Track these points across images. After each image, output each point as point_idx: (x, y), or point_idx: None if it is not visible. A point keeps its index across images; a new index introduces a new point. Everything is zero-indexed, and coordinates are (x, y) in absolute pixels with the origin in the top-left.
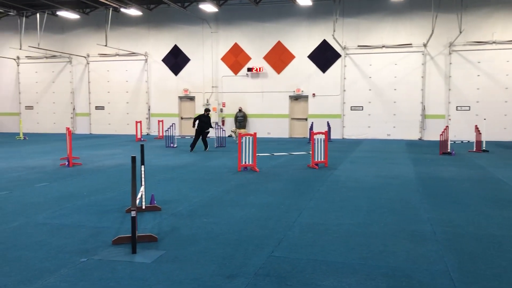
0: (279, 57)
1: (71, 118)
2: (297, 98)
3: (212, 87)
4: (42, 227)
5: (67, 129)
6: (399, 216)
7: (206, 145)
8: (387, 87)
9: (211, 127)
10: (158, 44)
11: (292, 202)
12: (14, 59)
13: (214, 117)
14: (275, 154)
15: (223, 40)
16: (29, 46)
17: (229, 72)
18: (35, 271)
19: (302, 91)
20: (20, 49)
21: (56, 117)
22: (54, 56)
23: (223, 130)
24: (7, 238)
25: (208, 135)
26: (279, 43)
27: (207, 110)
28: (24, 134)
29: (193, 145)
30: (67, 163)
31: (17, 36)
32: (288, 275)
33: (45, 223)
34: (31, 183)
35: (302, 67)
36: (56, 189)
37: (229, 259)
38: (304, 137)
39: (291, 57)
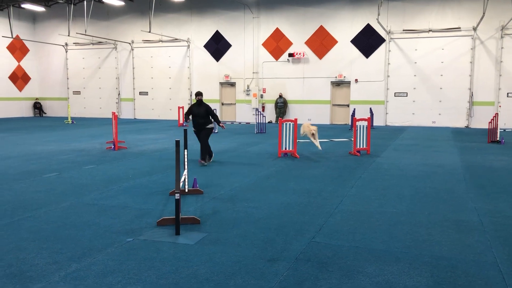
0: (321, 42)
1: (116, 103)
2: (339, 84)
3: (253, 72)
4: (90, 207)
5: (113, 113)
6: (444, 205)
7: (207, 153)
8: (433, 73)
9: (216, 121)
10: (200, 30)
11: (333, 189)
12: (63, 46)
13: (254, 103)
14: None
15: (264, 25)
16: (76, 33)
17: (270, 57)
18: (84, 249)
19: (344, 77)
20: (68, 35)
21: (102, 102)
22: (100, 43)
23: (263, 116)
24: (58, 217)
25: (215, 131)
26: (321, 27)
27: (198, 94)
28: (72, 118)
29: (203, 154)
30: (113, 146)
31: (66, 23)
32: (329, 261)
33: (93, 204)
34: (79, 165)
35: (344, 52)
36: (103, 171)
37: (270, 243)
38: (346, 124)
39: (333, 42)
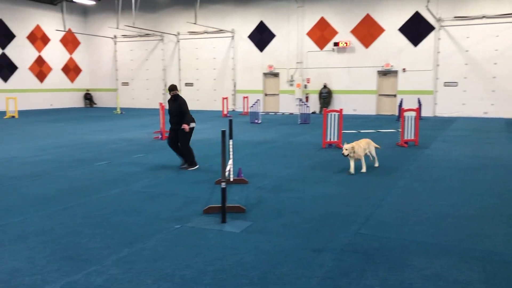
0: (368, 31)
1: (163, 94)
2: (385, 73)
3: (297, 63)
4: (139, 194)
5: (160, 104)
6: (497, 199)
7: (184, 156)
8: (486, 61)
9: (190, 121)
10: (245, 21)
11: (379, 180)
12: (112, 38)
13: (298, 94)
14: (361, 131)
15: (309, 15)
16: (125, 25)
17: (315, 47)
18: (134, 235)
19: (392, 66)
20: (117, 28)
21: (149, 93)
22: (147, 35)
23: (307, 107)
24: (110, 203)
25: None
26: (367, 16)
27: (171, 89)
28: (121, 109)
29: (182, 158)
30: (160, 136)
31: (115, 16)
32: (376, 253)
33: (142, 191)
34: (128, 154)
35: (392, 41)
36: (151, 160)
37: (315, 233)
38: (392, 114)
39: (380, 30)
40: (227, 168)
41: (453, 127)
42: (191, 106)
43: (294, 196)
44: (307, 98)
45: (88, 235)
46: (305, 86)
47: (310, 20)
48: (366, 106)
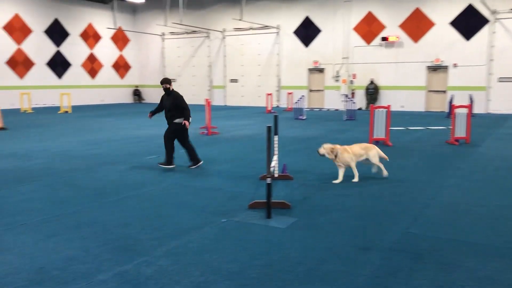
0: (417, 25)
1: (208, 90)
2: (435, 68)
3: (343, 58)
4: (186, 188)
5: (207, 100)
6: None
7: (190, 154)
8: None
9: (184, 115)
10: (290, 17)
11: (429, 179)
12: (160, 35)
13: (343, 89)
14: (410, 128)
15: (356, 9)
16: (172, 23)
17: (361, 42)
18: (182, 227)
19: (442, 61)
20: (165, 25)
21: (195, 89)
22: (194, 32)
23: (353, 103)
24: (159, 196)
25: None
26: (417, 10)
27: (164, 82)
28: None
29: (168, 156)
30: (206, 131)
31: (163, 14)
32: (425, 253)
33: (189, 185)
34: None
35: (442, 35)
36: (199, 154)
37: (362, 231)
38: (442, 111)
39: (430, 24)
40: (272, 164)
41: (507, 125)
42: (236, 102)
43: (340, 193)
44: (353, 94)
45: (138, 227)
46: (351, 82)
47: (357, 15)
48: (415, 103)
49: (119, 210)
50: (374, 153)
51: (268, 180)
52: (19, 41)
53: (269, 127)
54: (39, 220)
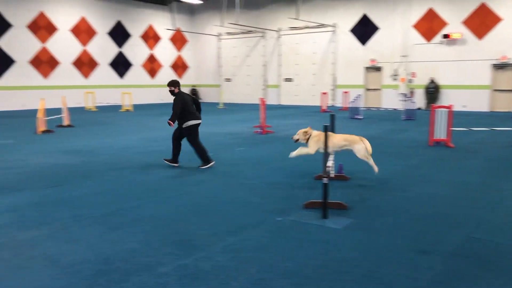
0: (482, 21)
1: (263, 89)
2: (502, 66)
3: (401, 56)
4: (242, 186)
5: (261, 99)
6: None
7: (199, 154)
8: None
9: (173, 120)
10: (347, 14)
11: (494, 182)
12: (216, 36)
13: (402, 89)
14: (473, 129)
15: (416, 6)
16: (228, 23)
17: (421, 39)
18: (238, 224)
19: (509, 59)
20: (221, 26)
21: (250, 88)
22: (249, 32)
23: (412, 102)
24: (215, 193)
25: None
26: (482, 5)
27: (168, 85)
28: (224, 103)
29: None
30: (260, 130)
31: (219, 15)
32: (492, 260)
33: (245, 183)
34: (231, 147)
35: (510, 31)
36: (253, 153)
37: (421, 235)
38: (509, 111)
39: (496, 20)
40: (329, 164)
41: None
42: (290, 101)
43: (398, 195)
44: (412, 93)
45: (196, 222)
46: (410, 81)
47: (417, 11)
48: (478, 102)
49: (178, 206)
50: (360, 148)
51: (325, 180)
52: (84, 42)
53: (326, 126)
54: (103, 213)
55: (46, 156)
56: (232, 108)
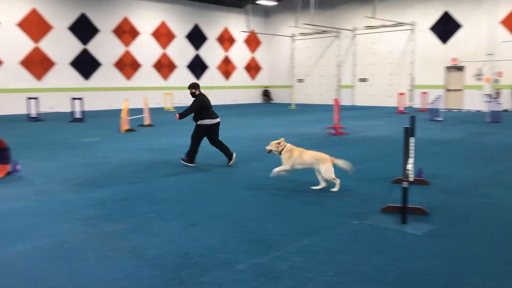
0: None
1: (336, 90)
2: None
3: (486, 54)
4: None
5: (335, 100)
6: None
7: (224, 152)
8: None
9: (184, 115)
10: (426, 12)
11: None
12: (290, 37)
13: (487, 89)
14: None
15: (503, 1)
16: (303, 24)
17: (510, 36)
18: (313, 226)
19: None
20: (295, 26)
21: (323, 89)
22: (324, 32)
23: (498, 104)
24: (290, 194)
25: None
26: None
27: (189, 87)
28: (296, 104)
29: (191, 154)
30: (334, 131)
31: (294, 15)
32: None
33: (318, 184)
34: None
35: None
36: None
37: (511, 245)
38: None
39: None
40: (408, 167)
41: None
42: (364, 102)
43: (484, 202)
44: (498, 93)
45: (271, 222)
46: (496, 81)
47: (505, 6)
48: None
49: (254, 204)
50: (327, 168)
51: (404, 184)
52: (164, 46)
53: (406, 128)
54: (183, 209)
55: (129, 154)
56: (304, 108)
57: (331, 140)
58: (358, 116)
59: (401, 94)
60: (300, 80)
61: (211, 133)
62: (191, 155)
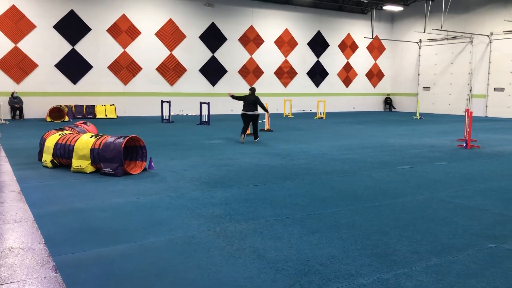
0: None
1: (467, 99)
2: None
3: None
4: (445, 204)
5: (467, 110)
6: None
7: (255, 133)
8: None
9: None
10: None
11: None
12: (417, 43)
13: None
14: None
15: None
16: (432, 29)
17: None
18: (443, 245)
19: None
20: (424, 32)
21: (451, 98)
22: (455, 37)
23: None
24: (415, 209)
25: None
26: None
27: (252, 89)
28: (420, 114)
29: (253, 134)
30: (465, 144)
31: (422, 20)
32: None
33: (449, 201)
34: (430, 160)
35: None
36: (456, 169)
37: None
38: None
39: None
40: None
41: None
42: (499, 113)
43: None
44: None
45: (395, 237)
46: None
47: None
48: None
49: (376, 217)
50: None
51: None
52: (286, 53)
53: None
54: (303, 215)
55: (250, 157)
56: (430, 118)
57: (462, 153)
58: (491, 129)
59: None
60: (426, 88)
61: (244, 120)
62: (255, 134)
